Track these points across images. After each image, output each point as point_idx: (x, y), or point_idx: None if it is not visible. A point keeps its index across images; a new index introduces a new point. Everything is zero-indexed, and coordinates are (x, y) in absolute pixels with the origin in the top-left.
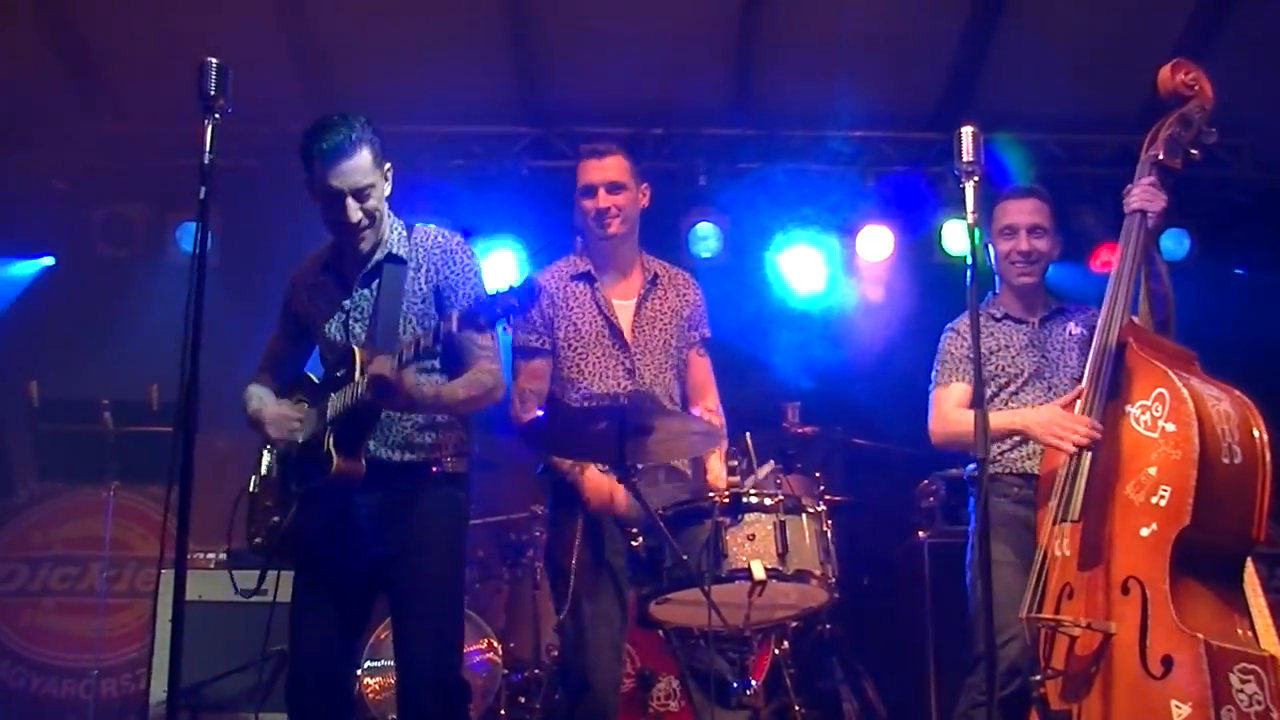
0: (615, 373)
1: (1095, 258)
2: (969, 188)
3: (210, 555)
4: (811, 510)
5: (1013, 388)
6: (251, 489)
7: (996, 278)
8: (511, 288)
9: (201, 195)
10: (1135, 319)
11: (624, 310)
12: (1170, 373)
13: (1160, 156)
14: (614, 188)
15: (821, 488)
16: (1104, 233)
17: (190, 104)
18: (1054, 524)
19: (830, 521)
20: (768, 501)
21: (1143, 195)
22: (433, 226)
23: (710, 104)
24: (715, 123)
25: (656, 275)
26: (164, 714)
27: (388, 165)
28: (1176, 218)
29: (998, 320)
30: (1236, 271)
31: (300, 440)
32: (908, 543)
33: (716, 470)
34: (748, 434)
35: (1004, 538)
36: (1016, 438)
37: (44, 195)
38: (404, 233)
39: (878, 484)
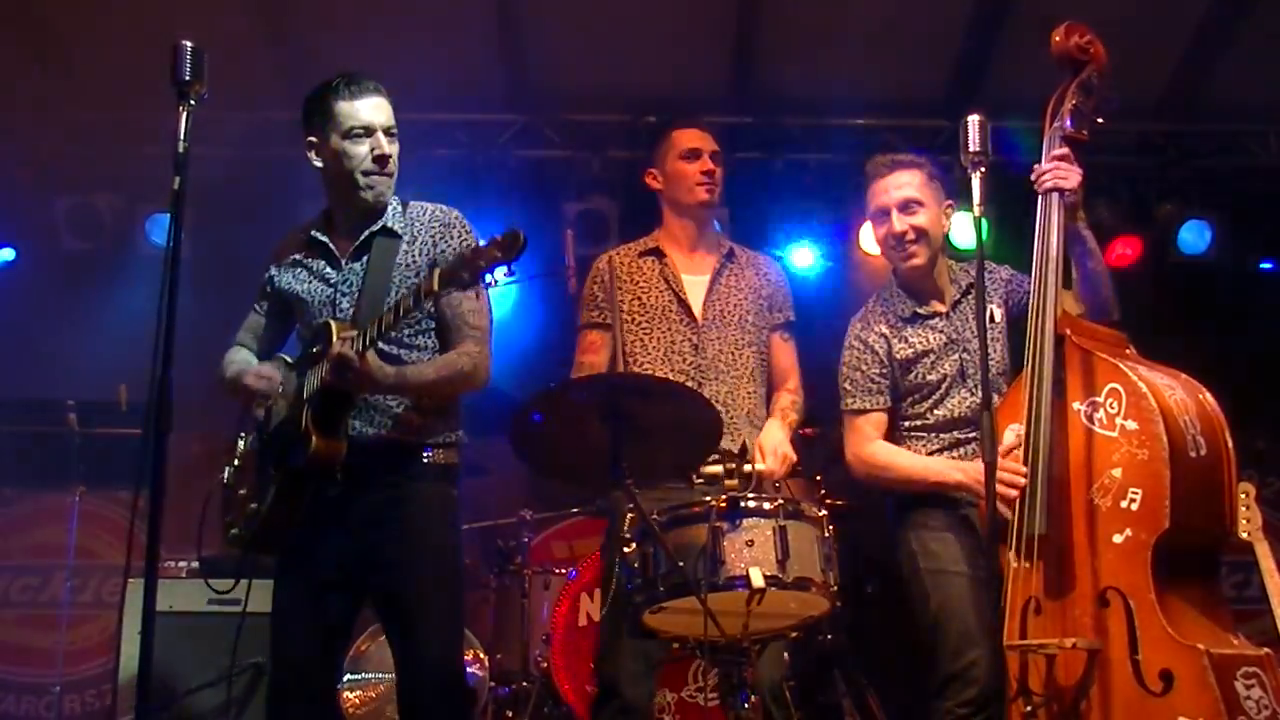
0: (681, 348)
1: (1110, 251)
2: (975, 178)
3: (181, 564)
4: (812, 515)
5: (936, 396)
6: (225, 480)
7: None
8: (494, 239)
9: (176, 185)
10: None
11: (694, 286)
12: (1121, 365)
13: (1069, 128)
14: (718, 157)
15: (823, 491)
16: (1120, 224)
17: (161, 88)
18: (1015, 538)
19: (832, 527)
20: (767, 506)
21: (1055, 173)
22: (429, 203)
23: (707, 91)
24: (713, 110)
25: (733, 252)
26: None
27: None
28: (1198, 208)
29: (907, 321)
30: (1263, 266)
31: (281, 403)
32: None
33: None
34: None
35: (951, 544)
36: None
37: (5, 184)
38: (399, 208)
39: None
